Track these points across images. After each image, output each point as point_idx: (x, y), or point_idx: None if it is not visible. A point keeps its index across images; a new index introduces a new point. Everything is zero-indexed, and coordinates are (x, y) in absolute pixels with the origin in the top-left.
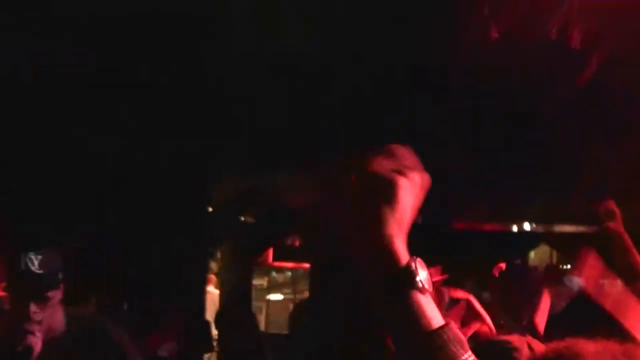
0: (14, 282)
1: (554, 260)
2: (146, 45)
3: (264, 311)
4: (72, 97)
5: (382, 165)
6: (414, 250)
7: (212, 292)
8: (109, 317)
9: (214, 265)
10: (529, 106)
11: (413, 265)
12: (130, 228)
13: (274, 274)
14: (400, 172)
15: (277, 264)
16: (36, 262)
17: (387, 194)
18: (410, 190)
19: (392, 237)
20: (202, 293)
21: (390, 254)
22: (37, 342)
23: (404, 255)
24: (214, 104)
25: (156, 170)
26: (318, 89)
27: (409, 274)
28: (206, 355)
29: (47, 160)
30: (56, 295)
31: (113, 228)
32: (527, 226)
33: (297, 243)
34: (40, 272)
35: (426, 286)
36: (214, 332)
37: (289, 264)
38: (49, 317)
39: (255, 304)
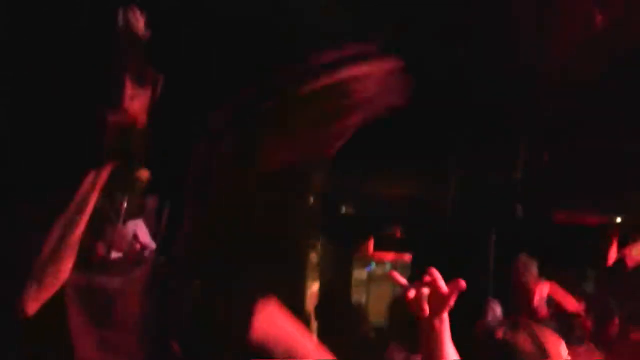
0: None
1: None
2: None
3: (364, 303)
4: None
5: None
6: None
7: (312, 284)
8: None
9: (313, 257)
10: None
11: None
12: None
13: (374, 265)
14: None
15: (377, 255)
16: None
17: None
18: None
19: None
20: (303, 285)
21: None
22: None
23: None
24: None
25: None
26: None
27: None
28: None
29: None
30: None
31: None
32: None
33: (398, 234)
34: None
35: None
36: (313, 323)
37: (390, 255)
38: None
39: (355, 295)
